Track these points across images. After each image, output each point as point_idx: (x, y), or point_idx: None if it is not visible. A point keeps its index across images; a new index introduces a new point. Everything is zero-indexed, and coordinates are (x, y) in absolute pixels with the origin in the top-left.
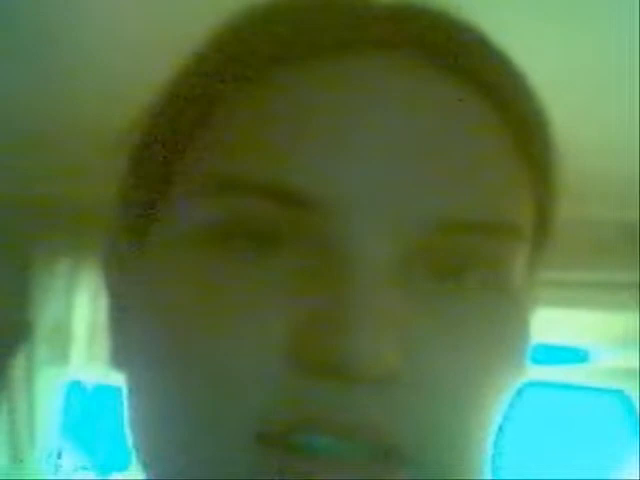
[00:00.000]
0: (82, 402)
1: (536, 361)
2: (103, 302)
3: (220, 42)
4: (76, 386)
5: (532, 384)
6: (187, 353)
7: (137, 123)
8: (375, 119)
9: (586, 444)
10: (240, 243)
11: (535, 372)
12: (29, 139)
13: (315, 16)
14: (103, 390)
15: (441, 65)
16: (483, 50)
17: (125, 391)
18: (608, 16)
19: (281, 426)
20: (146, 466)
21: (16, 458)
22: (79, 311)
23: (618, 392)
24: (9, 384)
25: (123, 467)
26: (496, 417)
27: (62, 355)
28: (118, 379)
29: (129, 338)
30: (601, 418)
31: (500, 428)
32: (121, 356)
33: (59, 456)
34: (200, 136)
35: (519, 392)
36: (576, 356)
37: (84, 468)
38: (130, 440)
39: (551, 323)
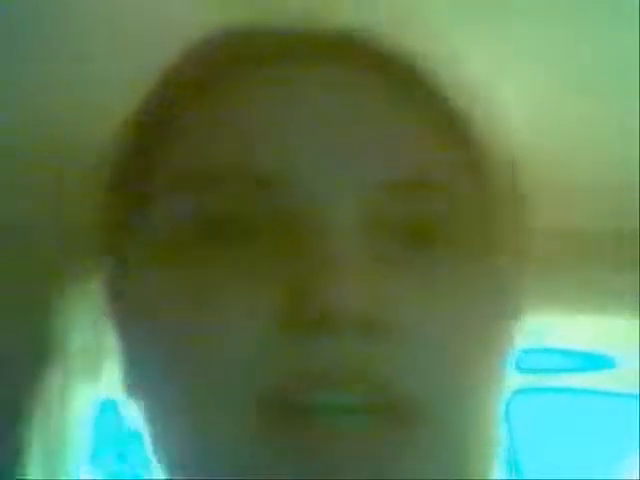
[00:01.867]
0: (116, 419)
1: (563, 368)
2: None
3: (187, 57)
4: (109, 403)
5: (560, 390)
6: (187, 351)
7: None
8: (321, 108)
9: (613, 450)
10: (217, 233)
11: (562, 379)
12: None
13: (263, 35)
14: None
15: (369, 70)
16: (402, 58)
17: (143, 419)
18: (606, 25)
19: (281, 389)
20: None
21: (50, 474)
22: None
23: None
24: (43, 403)
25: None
26: (495, 379)
27: (94, 373)
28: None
29: (136, 365)
30: (627, 424)
31: (523, 429)
32: (133, 385)
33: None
34: (169, 140)
35: (550, 399)
36: (602, 362)
37: None
38: (155, 459)
39: (576, 329)
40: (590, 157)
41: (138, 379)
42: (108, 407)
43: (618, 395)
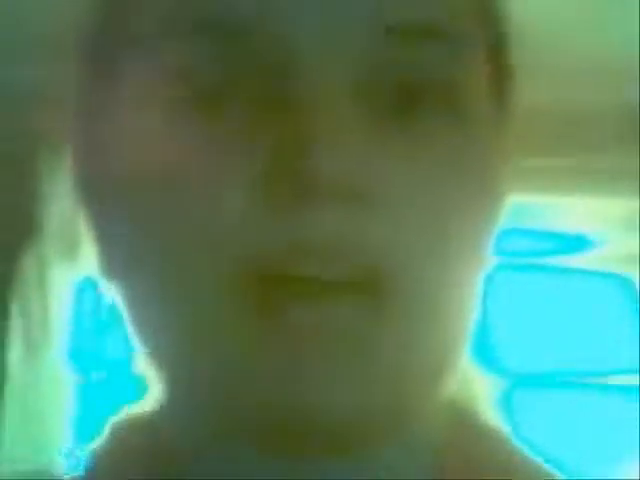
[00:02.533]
0: (94, 296)
1: (541, 248)
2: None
3: None
4: (87, 281)
5: (537, 269)
6: (163, 222)
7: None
8: None
9: (590, 328)
10: (193, 98)
11: (540, 259)
12: None
13: None
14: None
15: None
16: None
17: (121, 301)
18: None
19: (262, 261)
20: (154, 359)
21: (30, 356)
22: None
23: (621, 277)
24: (21, 282)
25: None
26: (476, 255)
27: (72, 250)
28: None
29: (110, 245)
30: (605, 302)
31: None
32: (109, 267)
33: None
34: None
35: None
36: (580, 242)
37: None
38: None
39: (555, 210)
40: (590, 34)
41: (113, 259)
42: (87, 286)
43: (595, 274)
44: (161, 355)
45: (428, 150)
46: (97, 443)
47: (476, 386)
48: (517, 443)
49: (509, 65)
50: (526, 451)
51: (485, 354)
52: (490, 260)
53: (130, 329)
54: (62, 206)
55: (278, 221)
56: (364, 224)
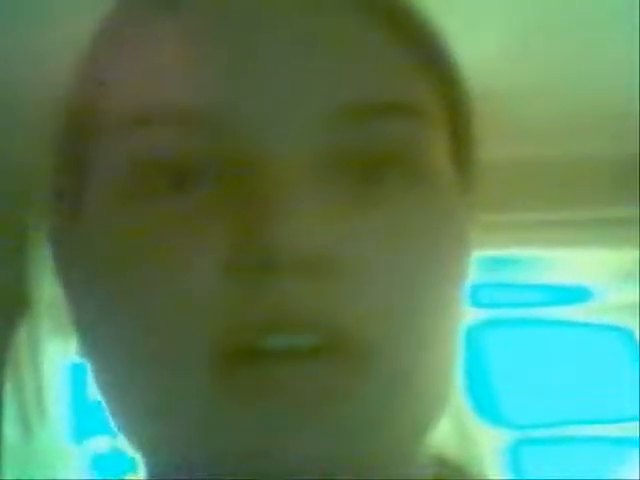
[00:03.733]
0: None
1: (540, 301)
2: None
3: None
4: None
5: (536, 323)
6: (132, 303)
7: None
8: (260, 33)
9: (591, 381)
10: (158, 181)
11: (539, 312)
12: None
13: None
14: None
15: None
16: None
17: (95, 379)
18: None
19: (231, 335)
20: (126, 434)
21: (27, 434)
22: None
23: (622, 328)
24: (14, 359)
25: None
26: (451, 313)
27: (64, 327)
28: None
29: (83, 325)
30: (606, 355)
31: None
32: (83, 346)
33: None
34: (105, 87)
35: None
36: (579, 294)
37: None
38: (112, 421)
39: (554, 263)
40: (589, 84)
41: (87, 339)
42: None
43: (595, 326)
44: (135, 434)
45: (391, 216)
46: None
47: (479, 441)
48: None
49: (470, 131)
50: None
51: (488, 408)
52: (466, 314)
53: (106, 409)
54: (54, 283)
55: (246, 296)
56: (333, 293)
